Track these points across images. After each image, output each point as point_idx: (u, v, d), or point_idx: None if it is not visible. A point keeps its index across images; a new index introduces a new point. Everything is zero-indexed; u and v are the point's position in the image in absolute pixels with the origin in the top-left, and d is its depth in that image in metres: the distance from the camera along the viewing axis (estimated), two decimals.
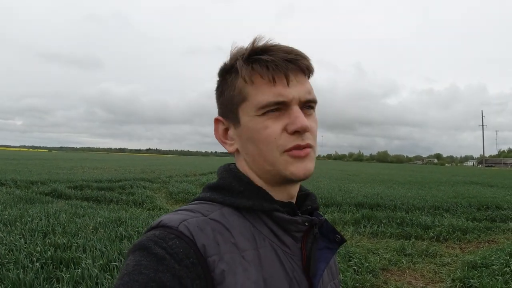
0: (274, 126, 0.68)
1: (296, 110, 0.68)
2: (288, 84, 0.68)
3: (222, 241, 0.63)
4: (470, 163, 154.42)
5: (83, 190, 11.95)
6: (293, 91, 0.68)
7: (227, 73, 0.74)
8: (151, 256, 0.58)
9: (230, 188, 0.72)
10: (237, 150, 0.75)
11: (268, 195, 0.71)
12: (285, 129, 0.68)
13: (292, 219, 0.70)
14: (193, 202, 0.73)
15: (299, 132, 0.67)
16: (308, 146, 0.69)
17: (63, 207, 8.35)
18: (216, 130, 0.77)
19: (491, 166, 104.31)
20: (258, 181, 0.73)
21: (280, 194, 0.73)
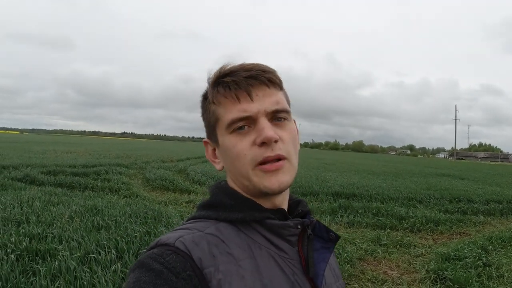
0: (243, 142, 0.71)
1: (262, 122, 0.70)
2: (252, 99, 0.71)
3: (218, 253, 0.66)
4: (441, 155, 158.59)
5: (57, 176, 11.59)
6: (257, 105, 0.71)
7: (205, 98, 0.79)
8: (149, 272, 0.61)
9: (222, 204, 0.75)
10: (223, 168, 0.79)
11: (257, 205, 0.74)
12: (254, 143, 0.70)
13: (283, 223, 0.72)
14: (189, 221, 0.76)
15: (267, 143, 0.69)
16: (279, 157, 0.70)
17: (36, 194, 8.09)
18: (206, 151, 0.82)
19: (462, 159, 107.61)
20: (245, 194, 0.75)
21: (266, 204, 0.75)
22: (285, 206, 0.79)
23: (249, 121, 0.71)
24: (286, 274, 0.70)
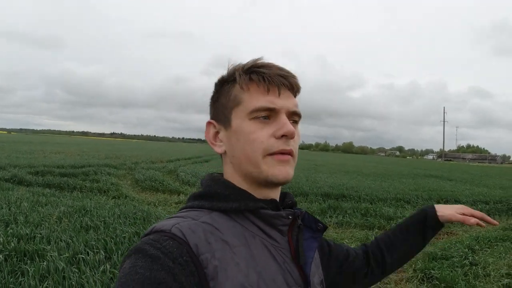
0: (263, 131, 0.74)
1: (284, 117, 0.75)
2: (279, 95, 0.75)
3: (213, 240, 0.68)
4: (430, 157, 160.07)
5: (45, 176, 11.45)
6: (283, 101, 0.76)
7: (225, 82, 0.81)
8: (146, 257, 0.62)
9: (217, 194, 0.76)
10: (225, 152, 0.80)
11: (251, 195, 0.76)
12: (273, 135, 0.74)
13: (277, 213, 0.75)
14: (182, 211, 0.77)
15: (286, 136, 0.74)
16: (291, 152, 0.75)
17: (24, 194, 8.00)
18: (207, 132, 0.83)
19: (450, 160, 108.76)
20: (242, 184, 0.78)
21: (261, 197, 0.77)
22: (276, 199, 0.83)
23: (272, 113, 0.75)
24: (278, 262, 0.73)
